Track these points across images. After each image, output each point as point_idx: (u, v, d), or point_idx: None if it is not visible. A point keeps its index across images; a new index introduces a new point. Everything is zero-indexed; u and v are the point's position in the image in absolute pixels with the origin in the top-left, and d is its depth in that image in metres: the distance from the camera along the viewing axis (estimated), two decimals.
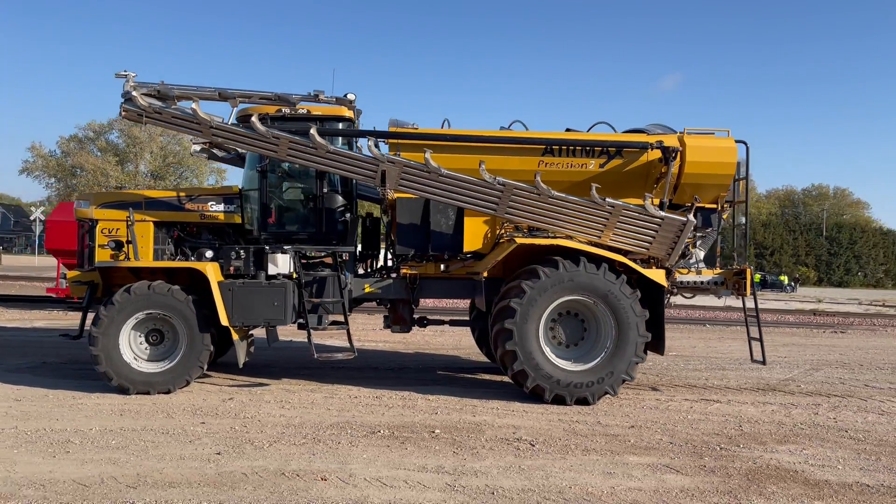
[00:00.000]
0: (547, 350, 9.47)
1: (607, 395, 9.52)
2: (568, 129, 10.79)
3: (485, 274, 9.44)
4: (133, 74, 9.37)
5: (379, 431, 7.64)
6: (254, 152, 9.59)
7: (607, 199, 9.55)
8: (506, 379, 11.20)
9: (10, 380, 9.95)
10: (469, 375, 11.56)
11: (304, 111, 10.04)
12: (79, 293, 10.36)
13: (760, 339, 10.28)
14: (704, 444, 7.59)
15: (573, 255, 9.50)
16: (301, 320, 9.89)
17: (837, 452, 7.51)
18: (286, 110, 9.95)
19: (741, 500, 5.89)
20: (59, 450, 6.64)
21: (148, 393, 9.26)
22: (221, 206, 10.38)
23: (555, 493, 5.87)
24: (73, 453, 6.53)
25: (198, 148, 12.15)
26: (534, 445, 7.29)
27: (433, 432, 7.72)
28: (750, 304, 10.37)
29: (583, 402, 9.41)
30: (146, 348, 9.55)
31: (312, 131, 9.34)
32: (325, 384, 10.31)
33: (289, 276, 9.85)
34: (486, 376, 11.55)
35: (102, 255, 10.09)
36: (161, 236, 10.34)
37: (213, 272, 9.43)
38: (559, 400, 9.38)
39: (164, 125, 9.46)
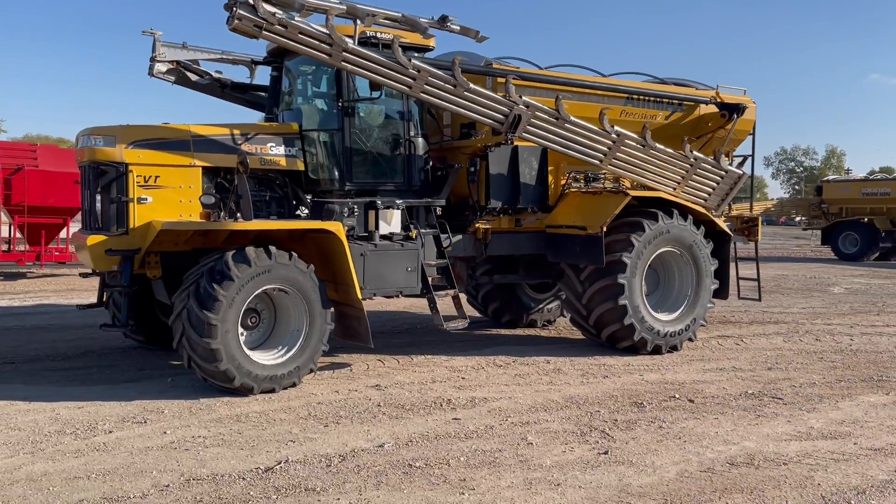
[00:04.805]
0: (646, 302, 9.52)
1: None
2: None
3: (604, 228, 9.05)
4: None
5: (644, 405, 7.08)
6: (384, 84, 7.80)
7: (693, 152, 9.80)
8: (527, 332, 10.93)
9: (42, 394, 6.97)
10: (519, 333, 11.06)
11: (390, 37, 8.40)
12: (107, 266, 7.52)
13: (758, 280, 11.50)
14: (855, 378, 8.37)
15: (666, 207, 9.61)
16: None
17: None
18: (376, 35, 8.24)
19: None
20: (426, 479, 5.04)
21: (273, 391, 7.24)
22: (282, 149, 8.30)
23: None
24: (479, 484, 5.02)
25: (164, 69, 9.53)
26: (782, 399, 7.44)
27: (674, 397, 7.41)
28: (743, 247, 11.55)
29: (673, 349, 9.70)
30: (241, 334, 7.39)
31: (457, 66, 7.96)
32: (402, 356, 9.05)
33: (388, 237, 8.35)
34: (519, 332, 11.16)
35: (145, 213, 7.47)
36: (210, 186, 7.95)
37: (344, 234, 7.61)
38: (656, 350, 9.53)
39: (283, 42, 7.19)
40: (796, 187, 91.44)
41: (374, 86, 7.91)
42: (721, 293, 10.38)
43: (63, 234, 16.87)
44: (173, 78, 9.56)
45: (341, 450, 5.61)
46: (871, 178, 33.01)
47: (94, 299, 8.91)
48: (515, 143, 8.87)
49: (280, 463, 5.27)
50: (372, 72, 7.61)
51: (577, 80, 9.39)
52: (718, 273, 10.18)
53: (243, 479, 4.97)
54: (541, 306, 11.55)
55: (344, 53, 7.39)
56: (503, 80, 8.68)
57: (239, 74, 10.03)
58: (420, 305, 13.19)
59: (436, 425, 6.28)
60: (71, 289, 15.03)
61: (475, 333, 10.85)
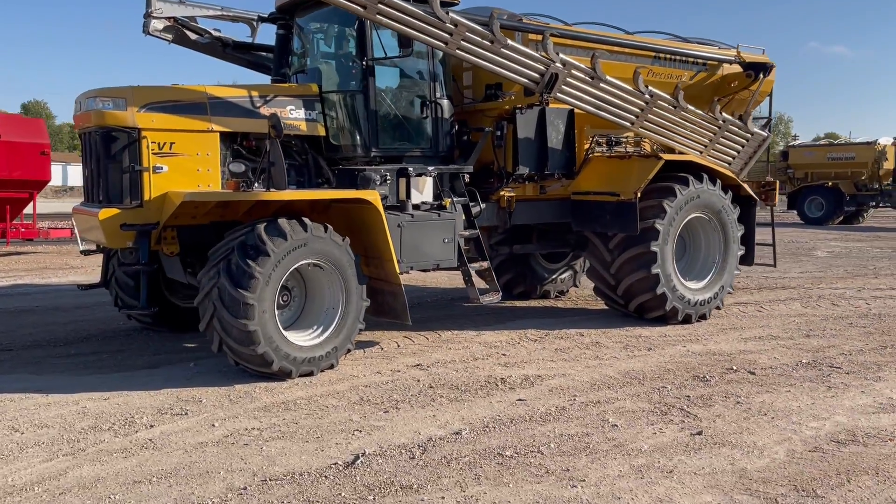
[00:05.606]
0: (677, 270, 9.18)
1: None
2: None
3: (638, 194, 8.64)
4: None
5: (707, 378, 6.73)
6: (418, 40, 7.20)
7: (722, 114, 9.44)
8: (542, 304, 10.52)
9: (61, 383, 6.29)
10: (535, 304, 10.62)
11: None
12: (122, 242, 6.83)
13: (773, 245, 11.25)
14: None
15: (694, 172, 9.23)
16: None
17: None
18: None
19: None
20: (525, 470, 4.59)
21: (311, 374, 6.69)
22: (302, 113, 7.67)
23: None
24: (587, 474, 4.59)
25: (160, 26, 8.79)
26: (841, 368, 7.16)
27: (732, 369, 7.08)
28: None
29: (702, 318, 9.41)
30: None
31: (495, 20, 7.40)
32: (429, 332, 8.56)
33: (418, 206, 7.81)
34: (534, 303, 10.74)
35: (160, 183, 6.79)
36: (227, 154, 7.30)
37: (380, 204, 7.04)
38: (686, 320, 9.22)
39: None
40: None
41: (404, 43, 7.30)
42: (747, 259, 10.09)
43: (29, 209, 15.82)
44: (171, 36, 8.80)
45: (416, 439, 5.12)
46: (836, 142, 33.38)
47: (79, 277, 8.21)
48: (545, 104, 8.37)
49: (358, 457, 4.75)
50: (407, 26, 7.01)
51: (612, 39, 8.90)
52: (744, 239, 9.88)
53: (325, 477, 4.45)
54: (554, 277, 11.16)
55: (379, 6, 6.77)
56: (536, 36, 8.17)
57: (237, 33, 9.29)
58: (422, 278, 12.72)
59: (502, 408, 5.83)
60: (43, 267, 14.09)
61: (491, 305, 10.39)
